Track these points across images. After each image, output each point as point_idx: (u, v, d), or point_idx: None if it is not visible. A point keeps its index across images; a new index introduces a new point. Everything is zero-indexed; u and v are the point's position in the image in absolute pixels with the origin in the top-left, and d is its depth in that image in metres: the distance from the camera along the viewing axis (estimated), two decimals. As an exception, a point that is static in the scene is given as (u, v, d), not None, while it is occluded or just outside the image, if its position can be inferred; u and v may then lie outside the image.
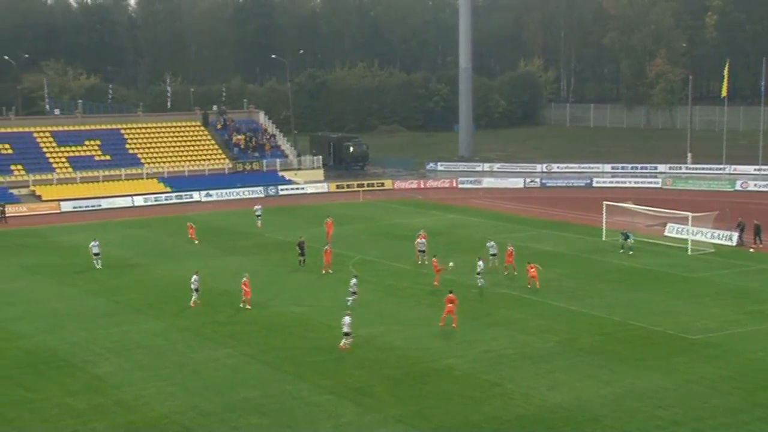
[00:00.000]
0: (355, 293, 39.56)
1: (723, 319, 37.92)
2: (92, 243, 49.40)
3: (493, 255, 47.22)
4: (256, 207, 63.42)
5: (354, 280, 40.22)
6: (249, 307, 39.70)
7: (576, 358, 32.78)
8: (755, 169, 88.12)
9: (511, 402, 28.49)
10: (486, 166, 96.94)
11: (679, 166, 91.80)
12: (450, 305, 35.98)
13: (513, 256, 46.37)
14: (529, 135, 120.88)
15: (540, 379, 30.54)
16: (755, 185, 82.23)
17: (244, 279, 40.18)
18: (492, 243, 47.85)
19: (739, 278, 45.73)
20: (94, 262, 48.86)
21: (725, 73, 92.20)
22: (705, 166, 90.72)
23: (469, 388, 29.65)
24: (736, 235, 54.42)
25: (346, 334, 33.42)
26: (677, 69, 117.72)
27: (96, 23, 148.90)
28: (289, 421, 27.20)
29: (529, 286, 43.11)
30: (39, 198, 76.36)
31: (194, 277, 40.41)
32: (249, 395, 29.22)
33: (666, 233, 56.50)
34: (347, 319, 33.61)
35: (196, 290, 40.16)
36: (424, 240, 49.35)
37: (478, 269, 43.27)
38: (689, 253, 51.59)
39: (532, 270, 43.32)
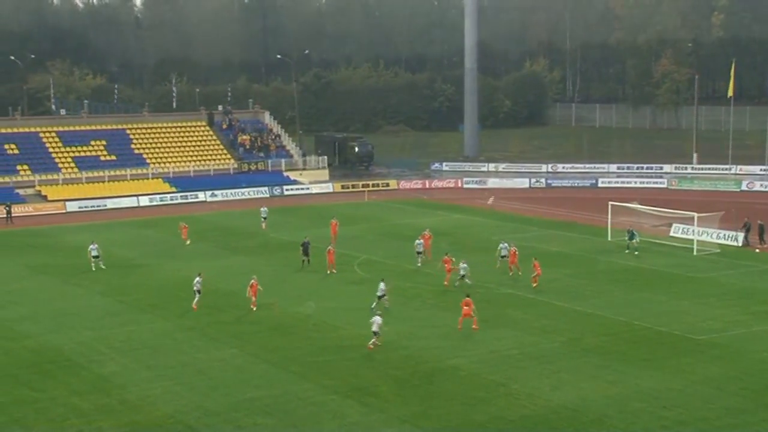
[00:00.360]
0: (384, 296, 38.93)
1: (729, 319, 37.84)
2: (91, 246, 49.27)
3: (504, 257, 46.97)
4: (262, 209, 63.27)
5: (382, 284, 39.40)
6: (254, 308, 39.60)
7: (581, 358, 32.74)
8: (761, 170, 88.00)
9: (516, 402, 28.47)
10: (491, 166, 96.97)
11: (684, 166, 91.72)
12: (466, 308, 35.86)
13: (517, 257, 46.31)
14: (534, 135, 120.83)
15: (545, 379, 30.51)
16: (761, 185, 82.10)
17: (252, 282, 40.01)
18: (505, 245, 47.65)
19: (745, 278, 45.64)
20: (92, 264, 48.69)
21: (731, 73, 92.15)
22: (711, 166, 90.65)
23: (473, 389, 29.64)
24: (741, 235, 54.31)
25: (375, 333, 33.45)
26: (683, 69, 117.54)
27: (102, 23, 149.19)
28: (293, 421, 27.21)
29: (534, 285, 43.09)
30: (45, 198, 76.53)
31: (197, 279, 40.28)
32: (254, 395, 29.25)
33: (671, 233, 56.43)
34: (378, 319, 33.73)
35: (198, 292, 40.02)
36: (421, 241, 49.12)
37: (462, 271, 43.16)
38: (695, 253, 51.49)
39: (539, 268, 43.30)
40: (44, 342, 35.50)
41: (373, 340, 33.65)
